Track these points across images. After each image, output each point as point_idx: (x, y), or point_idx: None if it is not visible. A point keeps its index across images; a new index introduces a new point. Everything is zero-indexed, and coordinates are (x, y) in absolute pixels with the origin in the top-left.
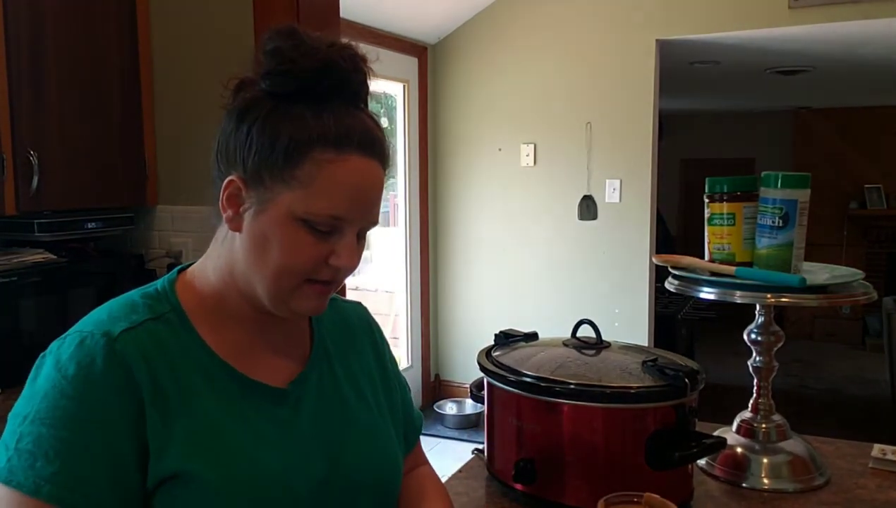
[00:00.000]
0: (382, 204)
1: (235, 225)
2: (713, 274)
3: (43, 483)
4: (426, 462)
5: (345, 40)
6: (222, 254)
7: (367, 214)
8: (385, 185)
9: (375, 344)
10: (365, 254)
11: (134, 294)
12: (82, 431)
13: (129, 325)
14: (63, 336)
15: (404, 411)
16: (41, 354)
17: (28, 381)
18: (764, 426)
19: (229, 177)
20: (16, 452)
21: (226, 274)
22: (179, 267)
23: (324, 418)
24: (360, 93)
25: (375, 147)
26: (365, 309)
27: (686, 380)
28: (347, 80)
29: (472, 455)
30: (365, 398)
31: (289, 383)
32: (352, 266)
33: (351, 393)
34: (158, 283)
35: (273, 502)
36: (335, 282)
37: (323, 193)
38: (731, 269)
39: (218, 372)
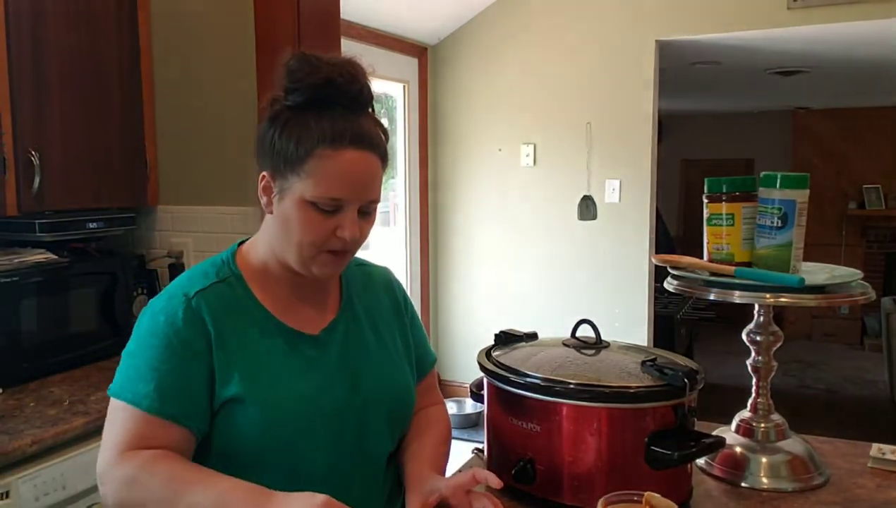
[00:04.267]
0: (382, 204)
1: (269, 209)
2: (712, 274)
3: (141, 398)
4: (440, 401)
5: (348, 56)
6: (265, 232)
7: (362, 195)
8: (385, 175)
9: (394, 297)
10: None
11: (206, 263)
12: (167, 362)
13: (202, 287)
14: (158, 296)
15: (418, 350)
16: (143, 308)
17: (135, 328)
18: (763, 425)
19: (262, 173)
20: (125, 377)
21: (268, 247)
22: (239, 241)
23: (347, 355)
24: (359, 99)
25: (366, 141)
26: (389, 271)
27: (685, 380)
28: (344, 90)
29: (472, 455)
30: (382, 338)
31: (321, 330)
32: (353, 237)
33: (371, 335)
34: (223, 255)
35: (304, 416)
36: (347, 251)
37: (324, 181)
38: (731, 269)
39: (266, 323)
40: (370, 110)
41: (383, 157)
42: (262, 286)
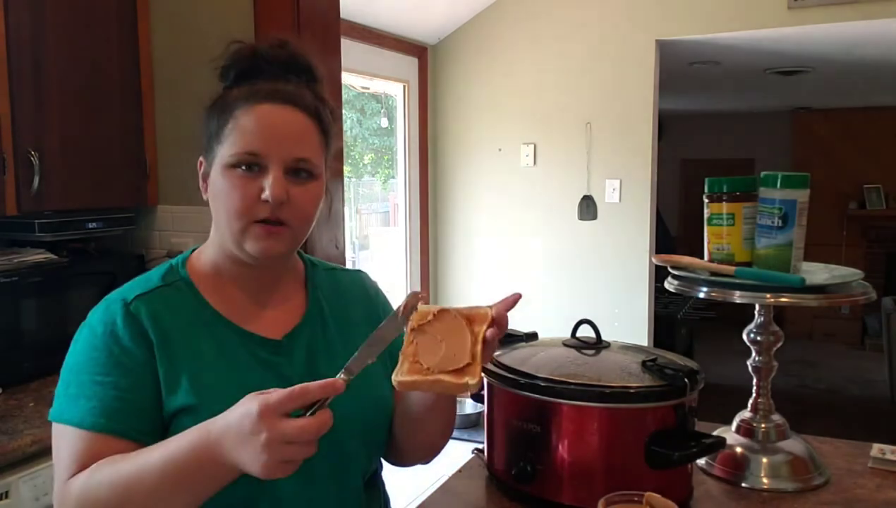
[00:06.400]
0: (382, 203)
1: (204, 193)
2: (713, 274)
3: (86, 417)
4: None
5: (283, 36)
6: (213, 230)
7: (282, 149)
8: (327, 147)
9: (370, 305)
10: (365, 253)
11: (153, 271)
12: (111, 375)
13: (143, 292)
14: (96, 306)
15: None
16: (82, 323)
17: (72, 342)
18: (763, 425)
19: (199, 159)
20: (64, 397)
21: (217, 245)
22: (193, 248)
23: (314, 363)
24: (290, 66)
25: (287, 97)
26: (365, 275)
27: (685, 380)
28: (271, 57)
29: (472, 455)
30: (354, 346)
31: (284, 335)
32: (277, 196)
33: (341, 345)
34: (173, 261)
35: None
36: (282, 224)
37: (240, 136)
38: (731, 269)
39: (218, 327)
40: (311, 85)
41: (317, 118)
42: (216, 289)
